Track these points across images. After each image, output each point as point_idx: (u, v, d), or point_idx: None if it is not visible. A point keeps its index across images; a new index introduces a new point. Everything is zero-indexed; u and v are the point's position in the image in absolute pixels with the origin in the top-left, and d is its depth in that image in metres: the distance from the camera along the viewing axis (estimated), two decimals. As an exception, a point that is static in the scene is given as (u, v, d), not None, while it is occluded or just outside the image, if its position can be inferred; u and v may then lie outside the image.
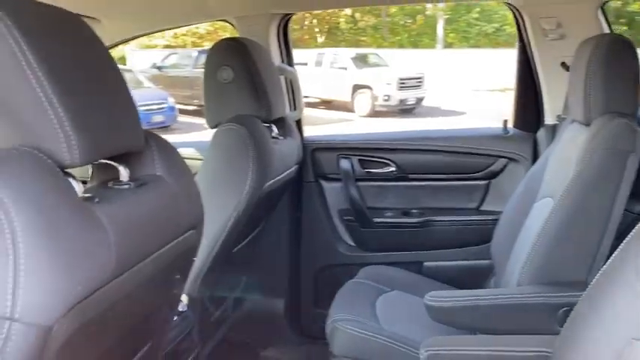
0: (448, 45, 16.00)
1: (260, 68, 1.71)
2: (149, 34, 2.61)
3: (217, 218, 1.54)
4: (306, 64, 11.60)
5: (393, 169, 2.25)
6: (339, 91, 11.51)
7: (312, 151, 2.26)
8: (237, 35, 2.11)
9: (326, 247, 2.26)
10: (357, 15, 16.87)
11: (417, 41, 17.07)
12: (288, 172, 1.89)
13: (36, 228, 0.68)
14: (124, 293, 0.85)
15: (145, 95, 9.29)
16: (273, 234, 2.14)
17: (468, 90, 12.76)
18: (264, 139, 1.65)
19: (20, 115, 0.74)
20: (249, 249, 1.88)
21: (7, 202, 0.66)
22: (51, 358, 0.72)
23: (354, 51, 12.79)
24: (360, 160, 2.26)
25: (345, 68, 11.65)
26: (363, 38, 17.39)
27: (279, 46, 2.21)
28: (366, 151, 2.26)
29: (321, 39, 17.51)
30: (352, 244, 2.29)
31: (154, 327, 1.10)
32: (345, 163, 2.25)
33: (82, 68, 0.83)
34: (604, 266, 0.86)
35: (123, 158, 0.90)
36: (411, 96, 11.43)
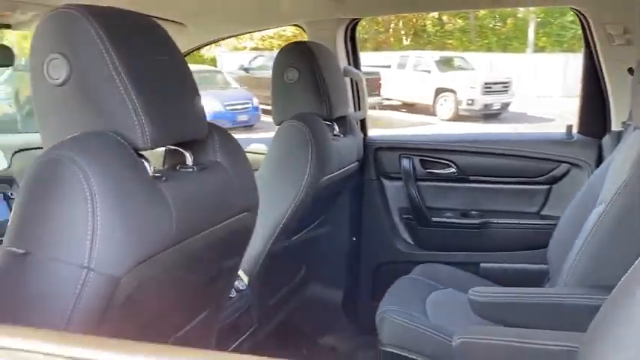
0: (539, 49, 15.35)
1: (324, 70, 1.81)
2: (228, 37, 2.81)
3: (277, 207, 1.68)
4: (389, 66, 11.64)
5: (454, 170, 2.28)
6: (422, 94, 11.43)
7: (375, 150, 2.34)
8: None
9: (385, 244, 2.33)
10: (445, 18, 16.59)
11: (507, 45, 16.51)
12: (346, 168, 1.98)
13: (111, 196, 0.84)
14: (181, 259, 1.00)
15: (232, 95, 9.75)
16: (334, 227, 2.23)
17: (557, 95, 12.23)
18: (323, 136, 1.76)
19: (104, 105, 0.91)
20: (309, 239, 1.99)
21: (90, 174, 0.83)
22: (117, 306, 0.87)
23: (438, 54, 12.65)
24: (421, 160, 2.31)
25: (429, 71, 11.55)
26: (449, 41, 17.08)
27: (346, 49, 2.32)
28: (428, 152, 2.31)
29: (406, 41, 17.40)
30: (411, 242, 2.34)
31: (210, 297, 1.25)
32: (406, 163, 2.31)
33: (156, 66, 0.99)
34: (633, 265, 0.88)
35: (189, 145, 1.06)
36: (496, 101, 11.16)
